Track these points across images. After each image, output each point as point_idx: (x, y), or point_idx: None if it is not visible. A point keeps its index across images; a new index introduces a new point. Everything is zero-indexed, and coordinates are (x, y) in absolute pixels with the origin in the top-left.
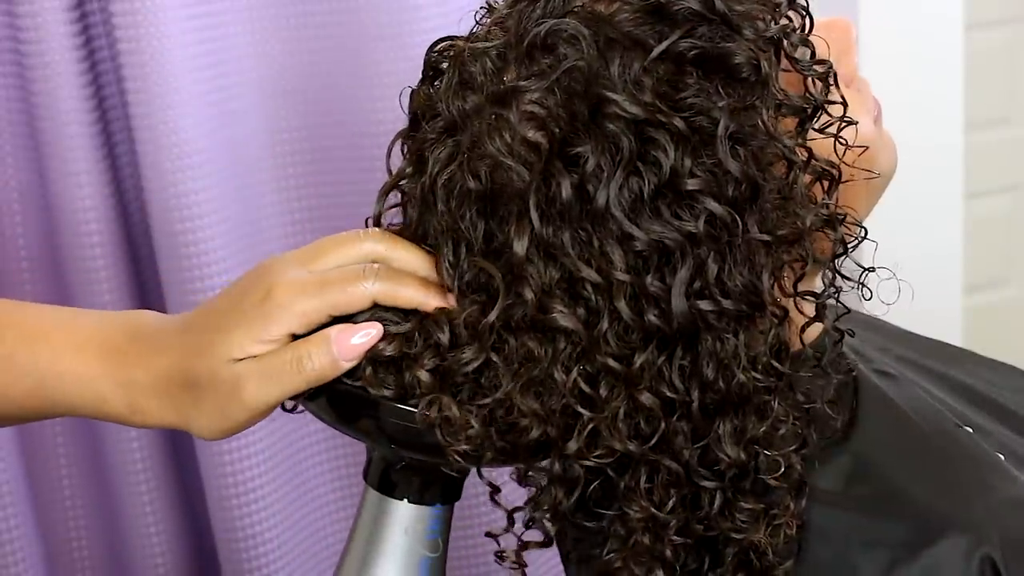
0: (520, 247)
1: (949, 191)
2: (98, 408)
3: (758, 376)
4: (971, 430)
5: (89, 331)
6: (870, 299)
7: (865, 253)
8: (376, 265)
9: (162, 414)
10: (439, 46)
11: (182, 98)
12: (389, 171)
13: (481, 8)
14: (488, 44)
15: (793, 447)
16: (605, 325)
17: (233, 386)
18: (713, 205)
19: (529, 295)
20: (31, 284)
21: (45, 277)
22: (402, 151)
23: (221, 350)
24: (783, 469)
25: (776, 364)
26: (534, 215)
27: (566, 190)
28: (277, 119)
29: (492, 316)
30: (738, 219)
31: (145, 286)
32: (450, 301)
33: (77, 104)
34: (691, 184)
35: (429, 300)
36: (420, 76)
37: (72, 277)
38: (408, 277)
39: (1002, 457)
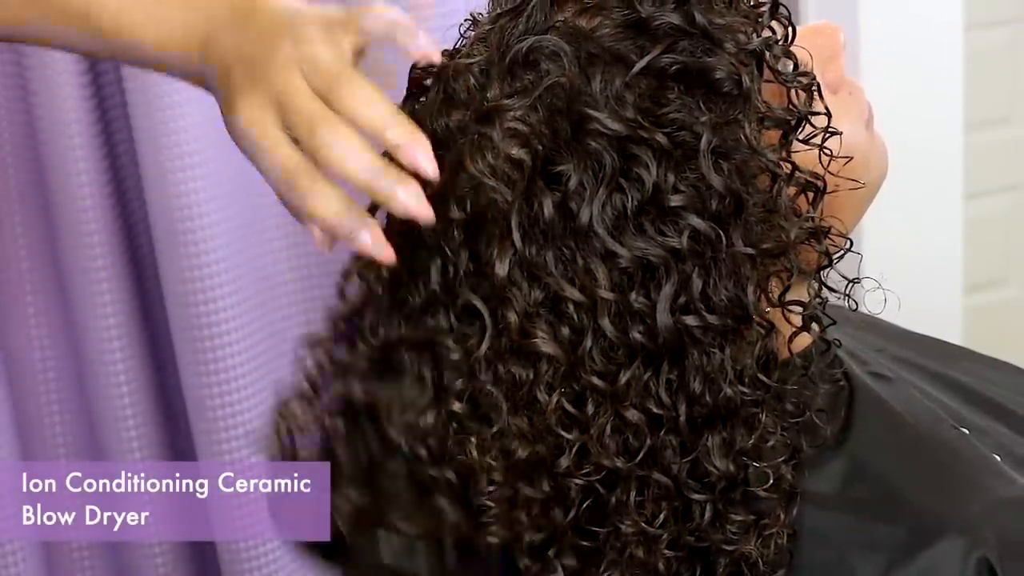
0: (502, 269)
1: (949, 191)
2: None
3: (745, 389)
4: (967, 431)
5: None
6: (856, 310)
7: (866, 258)
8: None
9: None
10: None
11: (182, 98)
12: None
13: (466, 20)
14: (471, 60)
15: (783, 458)
16: (589, 343)
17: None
18: (696, 221)
19: (512, 318)
20: (31, 284)
21: (45, 277)
22: None
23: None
24: (773, 480)
25: (763, 377)
26: (516, 235)
27: (548, 208)
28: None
29: (482, 349)
30: (722, 234)
31: (145, 286)
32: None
33: (77, 104)
34: (674, 200)
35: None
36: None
37: (72, 277)
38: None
39: (998, 458)
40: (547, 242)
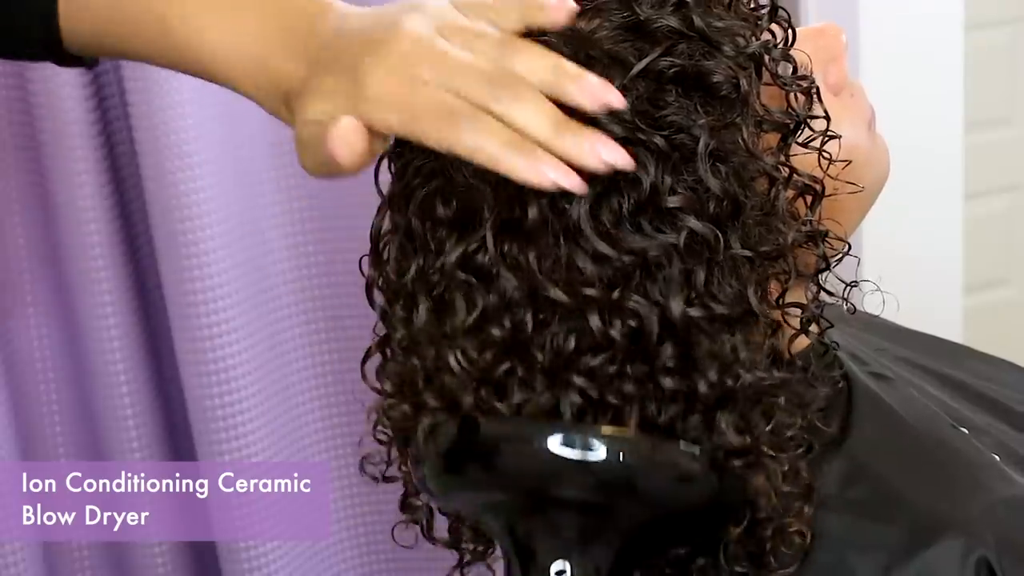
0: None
1: (949, 191)
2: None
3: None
4: (967, 430)
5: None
6: (854, 313)
7: (866, 258)
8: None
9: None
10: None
11: (182, 98)
12: (379, 191)
13: None
14: None
15: (794, 453)
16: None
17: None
18: (694, 223)
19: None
20: (31, 284)
21: (45, 277)
22: (389, 168)
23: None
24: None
25: (775, 371)
26: (489, 232)
27: (541, 208)
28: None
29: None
30: (720, 236)
31: (145, 286)
32: None
33: (77, 104)
34: (672, 201)
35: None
36: None
37: (72, 277)
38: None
39: (998, 458)
40: (532, 239)
